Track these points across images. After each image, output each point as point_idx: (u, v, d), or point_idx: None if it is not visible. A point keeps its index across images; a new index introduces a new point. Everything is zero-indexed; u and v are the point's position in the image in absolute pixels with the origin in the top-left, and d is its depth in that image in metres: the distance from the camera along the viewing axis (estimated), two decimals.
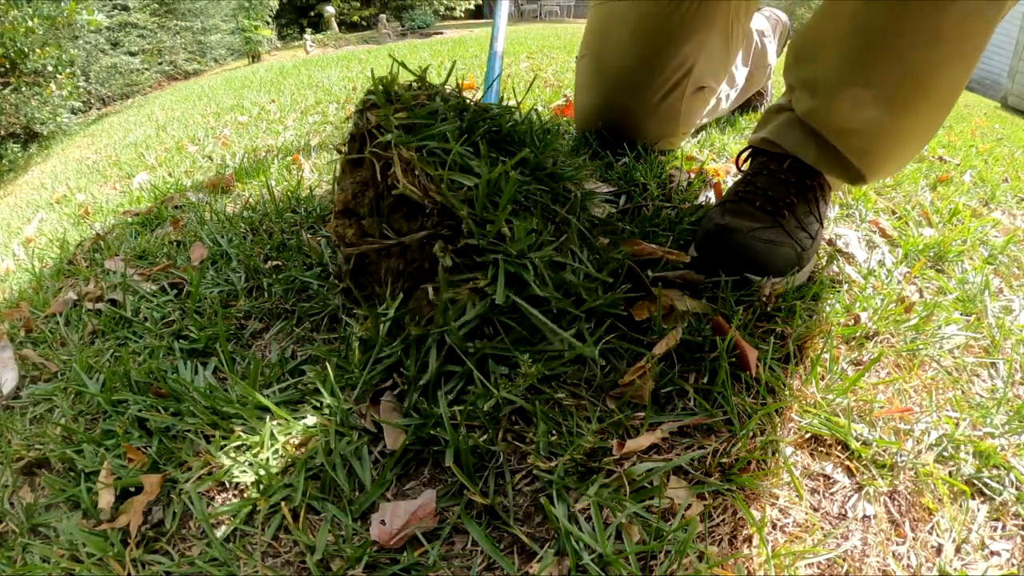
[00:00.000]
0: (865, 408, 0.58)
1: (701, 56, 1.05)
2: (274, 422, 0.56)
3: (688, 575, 0.43)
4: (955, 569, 0.46)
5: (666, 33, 1.02)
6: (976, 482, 0.52)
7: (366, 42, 8.52)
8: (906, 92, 0.69)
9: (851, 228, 0.94)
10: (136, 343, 0.74)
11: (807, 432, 0.55)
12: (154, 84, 7.53)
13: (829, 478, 0.52)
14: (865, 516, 0.49)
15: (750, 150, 0.86)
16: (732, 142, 1.33)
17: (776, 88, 1.77)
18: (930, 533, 0.48)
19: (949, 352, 0.68)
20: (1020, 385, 0.65)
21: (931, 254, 0.88)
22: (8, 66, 4.84)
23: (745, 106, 1.60)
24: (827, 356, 0.62)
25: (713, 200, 0.97)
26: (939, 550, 0.47)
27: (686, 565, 0.44)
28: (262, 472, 0.51)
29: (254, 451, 0.55)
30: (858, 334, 0.67)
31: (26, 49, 4.82)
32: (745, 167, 0.86)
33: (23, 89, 4.98)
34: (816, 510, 0.49)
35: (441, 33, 9.20)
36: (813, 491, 0.51)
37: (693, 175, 1.07)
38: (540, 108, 1.64)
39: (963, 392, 0.63)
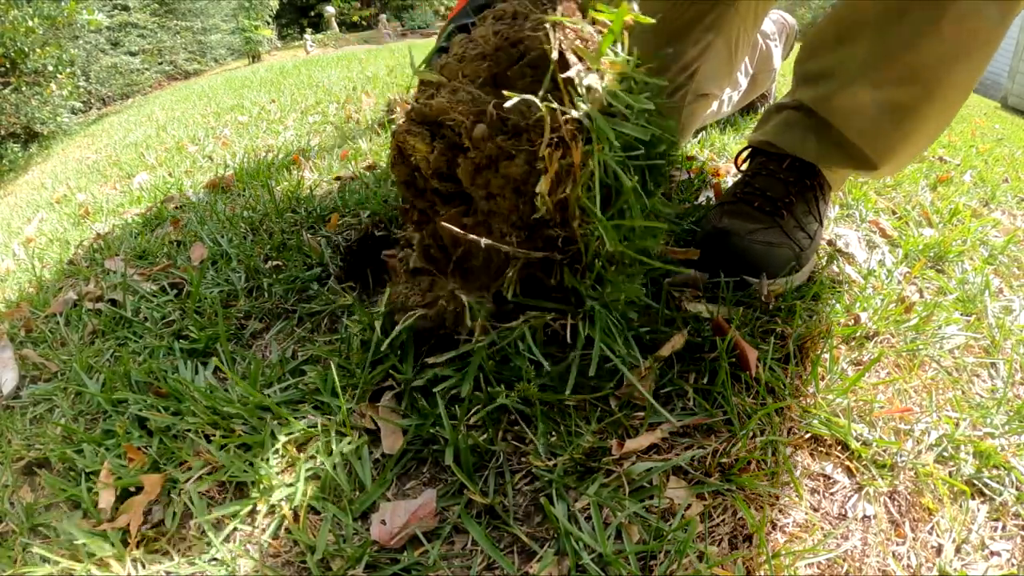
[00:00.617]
0: (865, 408, 0.58)
1: (705, 62, 1.04)
2: (274, 422, 0.56)
3: (688, 575, 0.43)
4: (955, 569, 0.46)
5: (670, 36, 1.01)
6: (976, 482, 0.52)
7: (366, 42, 8.52)
8: (907, 91, 0.69)
9: (851, 228, 0.94)
10: (136, 343, 0.74)
11: (807, 432, 0.55)
12: (154, 84, 7.53)
13: (829, 478, 0.52)
14: (865, 516, 0.49)
15: (749, 150, 0.86)
16: (732, 142, 1.33)
17: (779, 91, 1.77)
18: (930, 533, 0.48)
19: (949, 352, 0.68)
20: (1020, 385, 0.65)
21: (931, 254, 0.88)
22: (8, 66, 4.84)
23: (748, 107, 1.59)
24: (827, 356, 0.62)
25: (713, 200, 0.97)
26: (939, 550, 0.47)
27: (686, 565, 0.44)
28: (262, 472, 0.51)
29: (254, 451, 0.55)
30: (858, 334, 0.67)
31: (26, 49, 4.82)
32: (744, 167, 0.86)
33: (23, 89, 4.98)
34: (816, 510, 0.49)
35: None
36: (813, 491, 0.51)
37: (693, 175, 1.07)
38: None
39: (963, 392, 0.63)
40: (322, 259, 0.84)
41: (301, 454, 0.53)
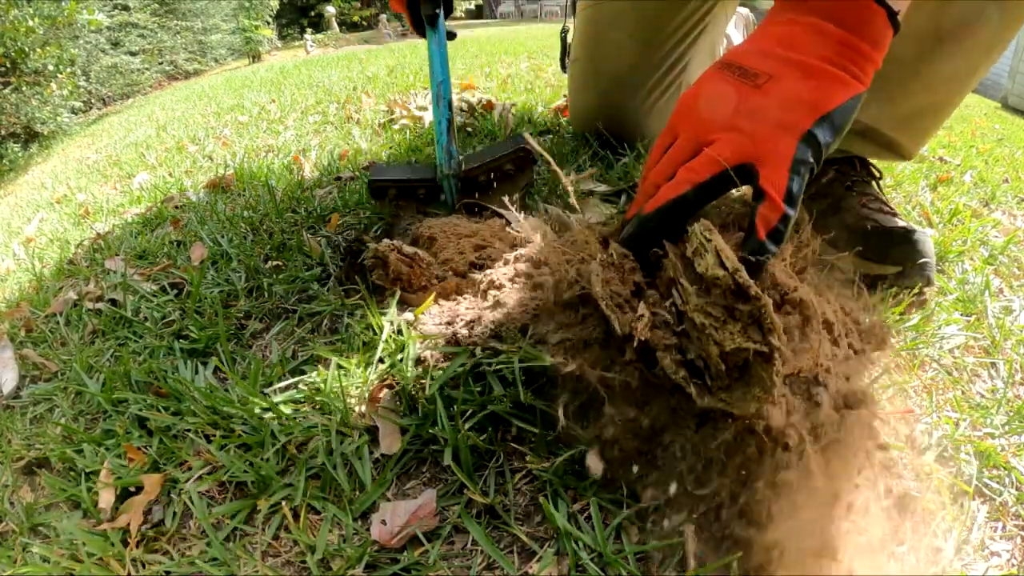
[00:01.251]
0: None
1: (696, 54, 1.06)
2: (274, 422, 0.56)
3: (688, 575, 0.43)
4: (955, 569, 0.46)
5: (666, 33, 1.03)
6: (976, 482, 0.52)
7: (366, 42, 8.51)
8: (948, 89, 0.73)
9: None
10: (136, 343, 0.74)
11: None
12: (154, 84, 7.53)
13: None
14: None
15: None
16: None
17: None
18: (931, 534, 0.48)
19: (949, 352, 0.68)
20: (1020, 385, 0.65)
21: None
22: (8, 66, 4.84)
23: None
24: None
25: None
26: (939, 551, 0.47)
27: (686, 565, 0.44)
28: (262, 472, 0.51)
29: (254, 451, 0.55)
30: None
31: (27, 49, 4.82)
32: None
33: (23, 89, 4.98)
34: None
35: None
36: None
37: None
38: (540, 108, 1.64)
39: (963, 392, 0.63)
40: (322, 259, 0.84)
41: (301, 454, 0.53)
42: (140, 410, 0.61)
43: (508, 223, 0.77)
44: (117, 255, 1.02)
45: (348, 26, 12.18)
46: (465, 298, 0.66)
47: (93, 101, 6.71)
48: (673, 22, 1.01)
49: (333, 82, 2.99)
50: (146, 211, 1.30)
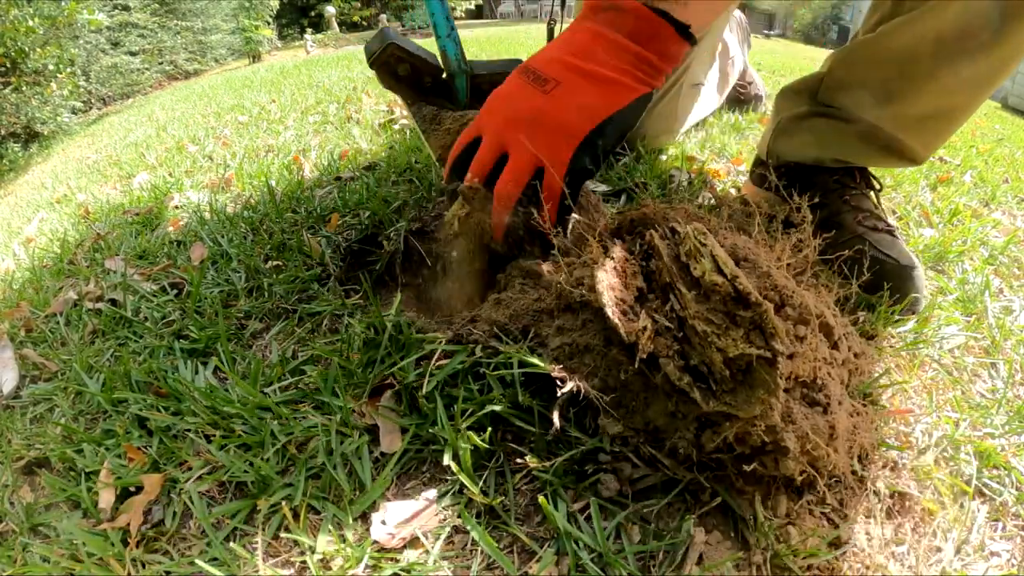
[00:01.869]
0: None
1: (697, 55, 1.07)
2: (274, 422, 0.56)
3: (688, 575, 0.43)
4: (955, 569, 0.46)
5: None
6: (976, 482, 0.52)
7: (366, 42, 8.52)
8: (965, 96, 0.72)
9: None
10: (136, 343, 0.74)
11: None
12: (154, 84, 7.53)
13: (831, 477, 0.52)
14: (866, 517, 0.49)
15: (781, 165, 0.88)
16: (732, 142, 1.33)
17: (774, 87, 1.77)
18: (931, 534, 0.48)
19: (949, 352, 0.68)
20: (1020, 385, 0.65)
21: (931, 254, 0.88)
22: (9, 65, 4.84)
23: (740, 103, 1.61)
24: None
25: (712, 200, 0.97)
26: (939, 551, 0.47)
27: (685, 565, 0.44)
28: (262, 472, 0.51)
29: (254, 451, 0.55)
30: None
31: (27, 49, 4.82)
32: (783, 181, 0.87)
33: (24, 89, 4.98)
34: (817, 510, 0.49)
35: None
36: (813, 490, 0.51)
37: (693, 175, 1.07)
38: None
39: (963, 392, 0.63)
40: (322, 259, 0.84)
41: (301, 454, 0.53)
42: (140, 410, 0.61)
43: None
44: (117, 255, 1.02)
45: (348, 26, 12.18)
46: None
47: (93, 101, 6.71)
48: None
49: (333, 82, 2.99)
50: (146, 211, 1.30)
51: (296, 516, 0.49)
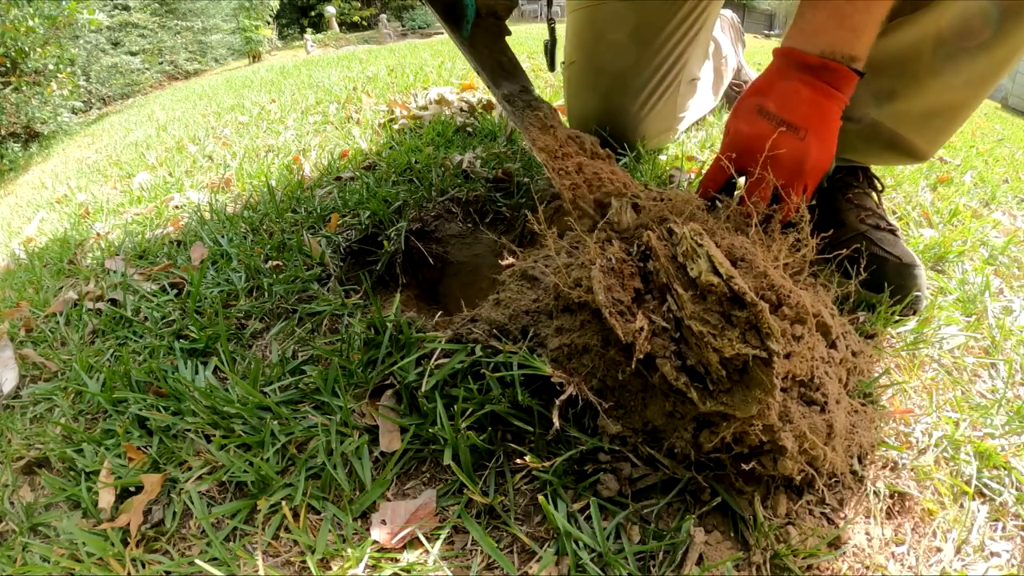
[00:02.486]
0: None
1: (692, 54, 1.08)
2: (274, 422, 0.56)
3: (688, 575, 0.43)
4: (955, 569, 0.46)
5: (666, 33, 1.03)
6: (976, 483, 0.52)
7: (367, 42, 8.52)
8: (967, 92, 0.72)
9: None
10: (136, 343, 0.74)
11: None
12: (155, 84, 7.53)
13: (831, 477, 0.52)
14: (866, 517, 0.49)
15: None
16: None
17: None
18: (931, 534, 0.48)
19: (949, 352, 0.68)
20: (1020, 386, 0.65)
21: (931, 254, 0.88)
22: (9, 65, 4.84)
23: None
24: None
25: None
26: (939, 551, 0.47)
27: (685, 565, 0.44)
28: (262, 472, 0.51)
29: (254, 451, 0.55)
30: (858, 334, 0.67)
31: (27, 48, 4.82)
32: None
33: (24, 88, 4.98)
34: (816, 510, 0.49)
35: (442, 33, 9.21)
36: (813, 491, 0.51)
37: (693, 175, 1.07)
38: None
39: (963, 393, 0.63)
40: (322, 259, 0.84)
41: (301, 454, 0.53)
42: (140, 410, 0.61)
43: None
44: (117, 255, 1.02)
45: (348, 26, 12.18)
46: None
47: (93, 101, 6.72)
48: (672, 22, 1.02)
49: (333, 82, 2.99)
50: (146, 211, 1.30)
51: (296, 516, 0.49)
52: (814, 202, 0.80)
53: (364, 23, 12.64)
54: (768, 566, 0.44)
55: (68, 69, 5.54)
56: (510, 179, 1.04)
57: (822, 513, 0.49)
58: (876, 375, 0.62)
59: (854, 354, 0.53)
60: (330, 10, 10.82)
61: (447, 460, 0.51)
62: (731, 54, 1.46)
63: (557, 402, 0.47)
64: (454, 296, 0.91)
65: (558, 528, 0.45)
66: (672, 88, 1.09)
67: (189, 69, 8.06)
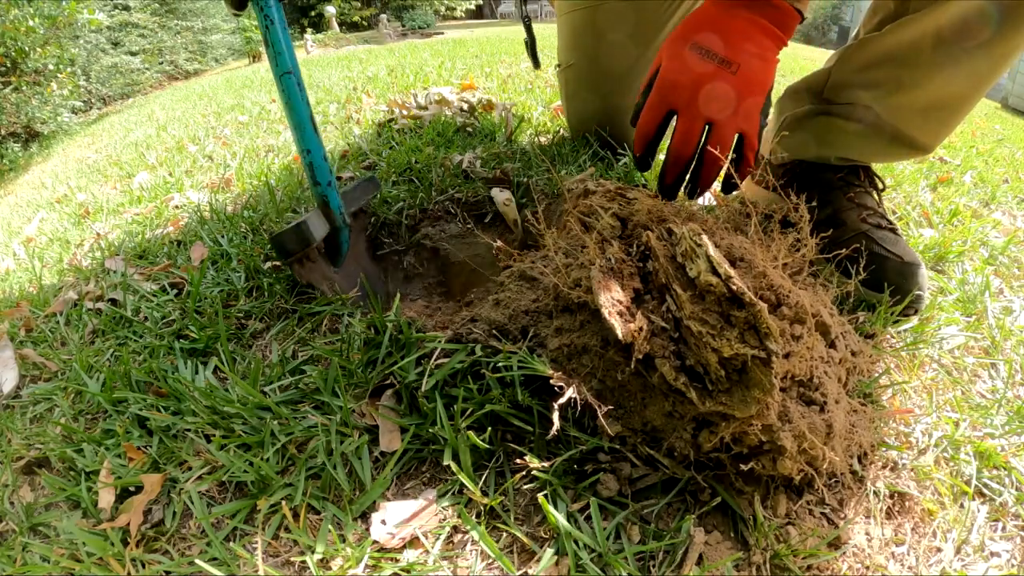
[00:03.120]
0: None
1: None
2: (275, 422, 0.56)
3: (687, 575, 0.43)
4: (955, 569, 0.46)
5: (665, 33, 1.03)
6: (976, 483, 0.52)
7: (367, 42, 8.52)
8: (968, 84, 0.72)
9: None
10: (136, 343, 0.74)
11: None
12: (155, 84, 7.53)
13: (831, 477, 0.52)
14: (866, 517, 0.49)
15: (788, 164, 0.88)
16: None
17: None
18: (931, 534, 0.48)
19: (949, 352, 0.68)
20: (1020, 386, 0.65)
21: (931, 255, 0.88)
22: (9, 65, 4.84)
23: None
24: None
25: (712, 201, 0.97)
26: (939, 551, 0.47)
27: (685, 565, 0.44)
28: (262, 472, 0.51)
29: (254, 451, 0.55)
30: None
31: (27, 48, 4.82)
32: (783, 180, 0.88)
33: (24, 88, 4.98)
34: (816, 510, 0.49)
35: (442, 33, 9.21)
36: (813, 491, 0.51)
37: None
38: (541, 108, 1.64)
39: (963, 393, 0.63)
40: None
41: (301, 454, 0.53)
42: (140, 410, 0.61)
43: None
44: (117, 255, 1.02)
45: (348, 26, 12.17)
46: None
47: (93, 101, 6.71)
48: (672, 21, 1.02)
49: (333, 82, 2.99)
50: (146, 211, 1.30)
51: (296, 516, 0.49)
52: (815, 203, 0.81)
53: (364, 23, 12.63)
54: (768, 566, 0.44)
55: (68, 69, 5.54)
56: (509, 179, 1.04)
57: (822, 513, 0.49)
58: (876, 375, 0.62)
59: (853, 354, 0.53)
60: (330, 10, 10.81)
61: (447, 460, 0.51)
62: None
63: (556, 405, 0.47)
64: (454, 297, 0.91)
65: (558, 528, 0.45)
66: None
67: (189, 69, 8.06)
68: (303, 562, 0.46)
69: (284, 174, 1.34)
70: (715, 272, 0.44)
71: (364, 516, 0.49)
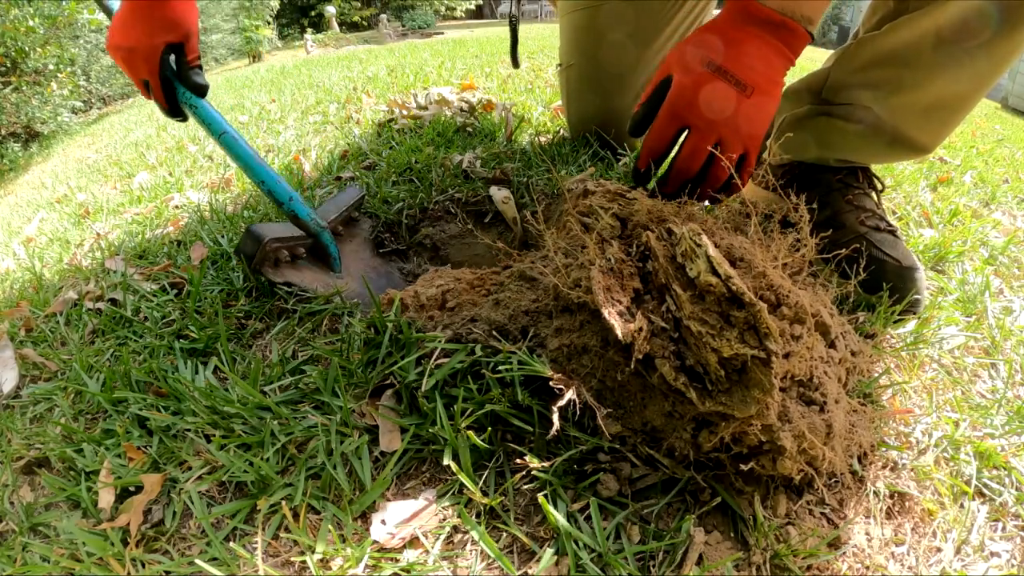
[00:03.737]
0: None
1: None
2: (275, 422, 0.56)
3: (687, 575, 0.43)
4: (955, 569, 0.46)
5: (665, 33, 1.04)
6: (976, 483, 0.52)
7: (367, 42, 8.51)
8: (969, 84, 0.72)
9: None
10: (136, 342, 0.74)
11: None
12: None
13: (832, 477, 0.52)
14: (866, 517, 0.49)
15: (787, 166, 0.88)
16: None
17: None
18: (931, 534, 0.48)
19: (949, 353, 0.68)
20: (1020, 386, 0.65)
21: (931, 255, 0.88)
22: (9, 65, 4.84)
23: None
24: None
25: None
26: (939, 551, 0.47)
27: (685, 565, 0.44)
28: (262, 472, 0.51)
29: (254, 451, 0.55)
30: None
31: (27, 48, 4.82)
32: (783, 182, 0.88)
33: (24, 88, 4.98)
34: (816, 510, 0.49)
35: (442, 33, 9.21)
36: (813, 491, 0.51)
37: None
38: (541, 108, 1.64)
39: (963, 393, 0.63)
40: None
41: (301, 454, 0.53)
42: (140, 410, 0.61)
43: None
44: (117, 255, 1.02)
45: (348, 26, 12.17)
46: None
47: (93, 100, 6.71)
48: (672, 22, 1.03)
49: (333, 82, 2.99)
50: (146, 211, 1.30)
51: (296, 516, 0.49)
52: (814, 204, 0.81)
53: (364, 23, 12.63)
54: (768, 566, 0.44)
55: (68, 69, 5.54)
56: (508, 179, 1.04)
57: (822, 513, 0.49)
58: (876, 375, 0.62)
59: (853, 354, 0.53)
60: (330, 10, 10.81)
61: (447, 460, 0.51)
62: None
63: (555, 407, 0.47)
64: None
65: (558, 528, 0.45)
66: None
67: None
68: (303, 562, 0.46)
69: (284, 174, 1.34)
70: (715, 272, 0.44)
71: (364, 516, 0.49)
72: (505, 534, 0.47)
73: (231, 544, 0.48)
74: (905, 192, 1.15)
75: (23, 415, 0.67)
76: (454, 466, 0.50)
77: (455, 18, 14.85)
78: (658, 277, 0.48)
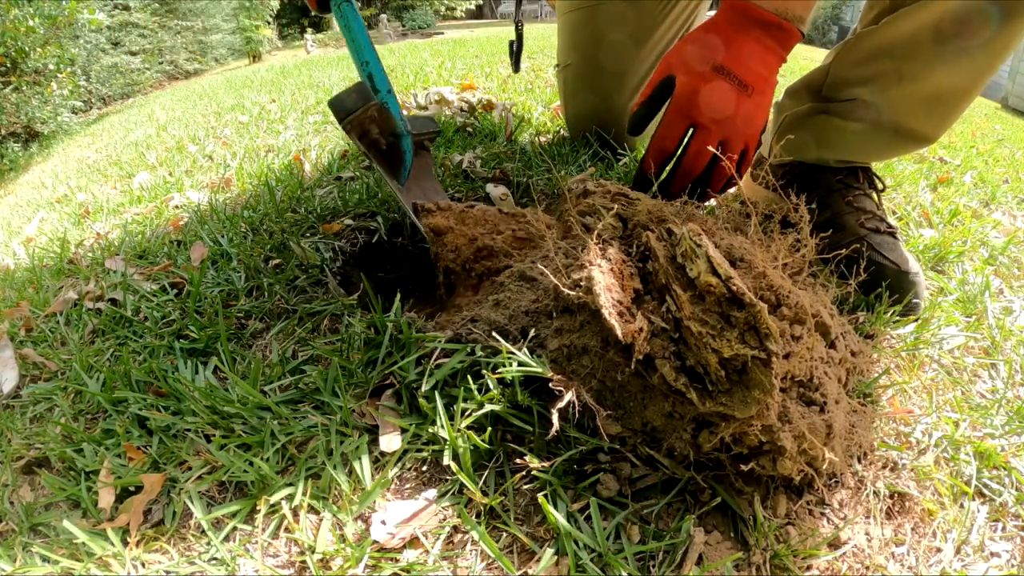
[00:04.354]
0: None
1: None
2: (275, 422, 0.56)
3: (687, 575, 0.43)
4: (955, 570, 0.46)
5: (661, 32, 1.04)
6: (976, 483, 0.52)
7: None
8: (968, 76, 0.72)
9: None
10: (136, 342, 0.74)
11: None
12: (155, 84, 7.53)
13: (832, 477, 0.52)
14: (866, 517, 0.49)
15: (787, 165, 0.88)
16: None
17: None
18: (931, 534, 0.48)
19: (949, 353, 0.68)
20: (1020, 386, 0.65)
21: (931, 255, 0.88)
22: (9, 65, 4.84)
23: None
24: None
25: (713, 202, 0.97)
26: (939, 551, 0.47)
27: (685, 565, 0.44)
28: (262, 472, 0.51)
29: (254, 451, 0.55)
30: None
31: (27, 48, 4.82)
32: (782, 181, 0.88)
33: (24, 88, 4.98)
34: (816, 510, 0.49)
35: (442, 33, 9.21)
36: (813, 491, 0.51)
37: None
38: (541, 108, 1.64)
39: (963, 393, 0.63)
40: (322, 263, 0.84)
41: (301, 454, 0.53)
42: (140, 410, 0.61)
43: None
44: (117, 255, 1.02)
45: None
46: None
47: (93, 101, 6.72)
48: (668, 21, 1.03)
49: (334, 82, 2.99)
50: (146, 211, 1.30)
51: (296, 516, 0.49)
52: (814, 205, 0.81)
53: (364, 23, 12.62)
54: (768, 566, 0.44)
55: (68, 69, 5.54)
56: (508, 179, 1.04)
57: (822, 513, 0.49)
58: (876, 375, 0.62)
59: (853, 354, 0.53)
60: None
61: (447, 460, 0.51)
62: None
63: (555, 409, 0.47)
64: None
65: (558, 528, 0.45)
66: None
67: (189, 69, 8.06)
68: (303, 562, 0.46)
69: (284, 174, 1.34)
70: (715, 272, 0.44)
71: (364, 516, 0.49)
72: (505, 534, 0.47)
73: (231, 544, 0.48)
74: (905, 192, 1.15)
75: (23, 415, 0.67)
76: (454, 466, 0.50)
77: (455, 18, 14.85)
78: (658, 277, 0.49)
